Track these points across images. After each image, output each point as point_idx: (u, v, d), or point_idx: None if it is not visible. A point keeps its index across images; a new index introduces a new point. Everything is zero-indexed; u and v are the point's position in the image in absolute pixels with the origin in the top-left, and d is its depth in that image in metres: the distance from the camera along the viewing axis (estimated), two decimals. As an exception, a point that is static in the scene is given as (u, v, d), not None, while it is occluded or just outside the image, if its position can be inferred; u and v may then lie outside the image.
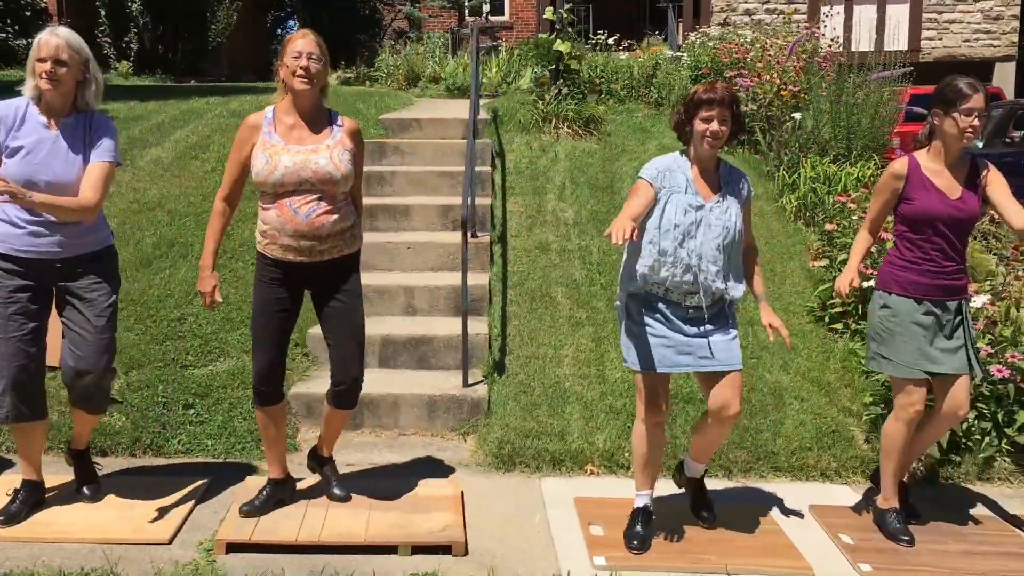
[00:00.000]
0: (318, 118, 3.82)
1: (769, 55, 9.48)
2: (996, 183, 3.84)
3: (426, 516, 3.88)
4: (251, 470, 4.44)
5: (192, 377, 5.02)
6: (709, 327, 3.71)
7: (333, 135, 3.80)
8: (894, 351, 3.87)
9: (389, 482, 4.27)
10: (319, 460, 4.22)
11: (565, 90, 9.03)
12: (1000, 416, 4.72)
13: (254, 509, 3.89)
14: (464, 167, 7.49)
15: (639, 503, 3.86)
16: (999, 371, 4.62)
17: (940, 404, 3.94)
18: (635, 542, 3.73)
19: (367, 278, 5.88)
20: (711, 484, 4.46)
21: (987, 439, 4.70)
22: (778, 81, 8.65)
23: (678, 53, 11.55)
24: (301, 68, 3.65)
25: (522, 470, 4.58)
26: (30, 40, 3.76)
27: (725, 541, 3.87)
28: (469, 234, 6.48)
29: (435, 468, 4.57)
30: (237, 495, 4.06)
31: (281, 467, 4.03)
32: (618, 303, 3.87)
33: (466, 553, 3.70)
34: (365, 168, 7.52)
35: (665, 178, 3.63)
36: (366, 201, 6.91)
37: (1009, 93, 18.85)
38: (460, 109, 9.34)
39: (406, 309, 5.86)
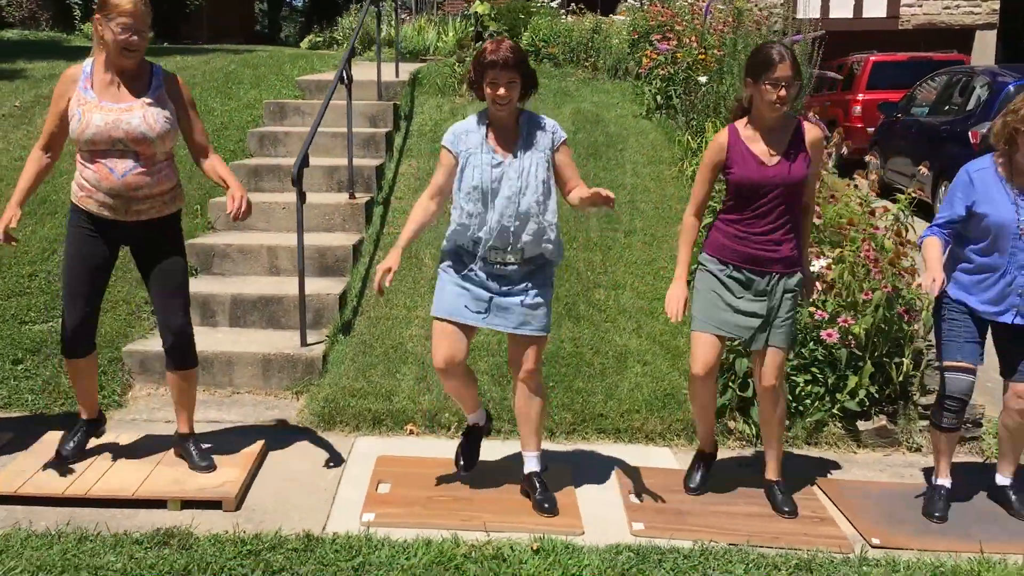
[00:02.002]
0: (139, 74, 3.72)
1: (697, 20, 9.35)
2: (817, 156, 3.73)
3: (207, 473, 3.88)
4: (67, 424, 4.45)
5: (28, 333, 5.03)
6: (519, 287, 3.67)
7: (152, 92, 3.72)
8: (695, 306, 3.83)
9: (205, 443, 4.27)
10: (179, 436, 4.11)
11: (484, 52, 8.94)
12: (831, 381, 4.68)
13: (63, 456, 3.92)
14: (367, 128, 7.48)
15: (468, 421, 4.06)
16: (828, 335, 4.57)
17: (756, 375, 3.89)
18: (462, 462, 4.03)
19: (239, 238, 5.90)
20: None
21: (817, 403, 4.66)
22: (695, 45, 8.53)
23: (621, 17, 11.43)
24: (129, 43, 3.57)
25: (341, 429, 4.58)
26: None
27: (508, 501, 3.86)
28: (347, 195, 6.47)
29: (255, 426, 4.57)
30: (35, 449, 4.07)
31: (91, 410, 4.04)
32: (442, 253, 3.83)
33: (237, 508, 3.70)
34: (262, 129, 7.53)
35: (462, 141, 3.60)
36: (255, 161, 6.92)
37: (990, 61, 18.58)
38: (390, 72, 9.26)
39: (270, 269, 5.85)
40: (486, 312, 3.65)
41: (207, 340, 5.10)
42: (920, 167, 8.05)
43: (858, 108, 14.23)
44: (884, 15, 19.52)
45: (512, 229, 3.56)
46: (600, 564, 3.32)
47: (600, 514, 3.81)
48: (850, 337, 4.68)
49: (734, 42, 8.54)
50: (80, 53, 10.86)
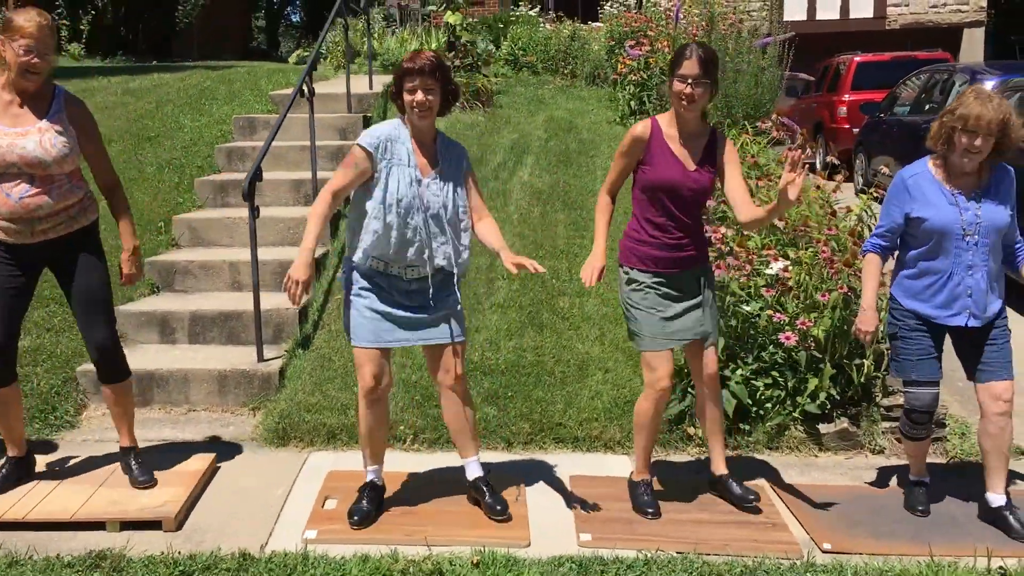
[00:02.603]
0: (41, 96, 3.69)
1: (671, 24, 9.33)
2: (732, 162, 3.69)
3: (153, 492, 3.84)
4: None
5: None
6: (432, 301, 3.65)
7: (51, 116, 3.67)
8: (639, 325, 3.74)
9: (148, 459, 4.22)
10: (121, 451, 4.07)
11: (457, 62, 8.93)
12: (791, 384, 4.62)
13: None
14: (336, 140, 7.45)
15: (368, 478, 3.79)
16: (787, 338, 4.51)
17: (695, 371, 3.86)
18: (355, 517, 3.66)
19: (201, 254, 5.86)
20: (489, 456, 4.42)
21: (776, 407, 4.61)
22: (667, 49, 8.50)
23: (599, 24, 11.42)
24: (30, 65, 3.54)
25: (296, 444, 4.53)
26: None
27: (456, 513, 3.81)
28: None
29: (208, 444, 4.53)
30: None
31: (17, 446, 3.98)
32: (340, 276, 3.78)
33: (178, 528, 3.65)
34: (230, 144, 7.51)
35: (387, 149, 3.52)
36: (222, 177, 6.89)
37: (979, 59, 18.53)
38: (364, 85, 9.25)
39: (232, 285, 5.81)
40: (406, 331, 3.62)
41: (164, 358, 5.07)
42: (882, 167, 8.00)
43: (843, 109, 14.17)
44: (871, 15, 19.48)
45: (431, 245, 3.54)
46: (541, 577, 3.26)
47: (550, 525, 3.76)
48: (810, 339, 4.62)
49: (722, 45, 8.53)
50: (64, 74, 10.83)
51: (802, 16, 19.44)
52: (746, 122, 7.42)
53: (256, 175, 4.95)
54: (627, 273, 3.79)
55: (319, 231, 3.48)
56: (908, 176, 3.74)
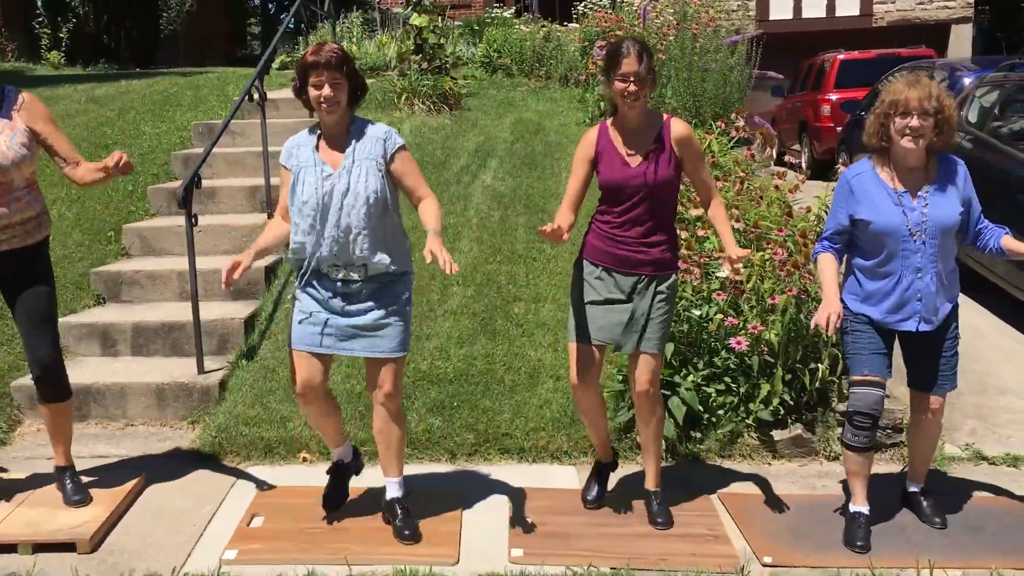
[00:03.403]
0: None
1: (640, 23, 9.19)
2: (690, 155, 3.55)
3: (70, 512, 3.70)
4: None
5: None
6: (365, 305, 3.50)
7: (2, 115, 3.57)
8: (570, 319, 3.69)
9: (77, 477, 4.08)
10: (57, 470, 3.95)
11: (425, 65, 8.80)
12: (744, 390, 4.49)
13: None
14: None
15: (335, 458, 3.86)
16: (738, 343, 4.38)
17: (631, 385, 3.74)
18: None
19: (151, 263, 5.74)
20: (432, 468, 4.30)
21: (729, 414, 4.47)
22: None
23: (572, 25, 11.31)
24: None
25: (232, 459, 4.39)
26: None
27: (388, 530, 3.66)
28: (266, 215, 6.30)
29: (140, 460, 4.39)
30: None
31: None
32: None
33: (94, 550, 3.51)
34: (188, 151, 7.39)
35: (294, 156, 3.46)
36: (177, 184, 6.74)
37: (967, 55, 18.40)
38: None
39: (180, 295, 5.67)
40: (334, 338, 3.49)
41: (103, 371, 4.94)
42: (839, 164, 7.78)
43: (827, 108, 14.02)
44: (857, 13, 19.36)
45: (346, 244, 3.38)
46: (461, 597, 3.13)
47: (482, 541, 3.62)
48: (763, 344, 4.49)
49: (680, 43, 8.39)
50: (43, 82, 10.72)
51: (787, 15, 19.33)
52: (712, 121, 7.27)
53: (192, 182, 4.83)
54: (578, 265, 3.73)
55: (267, 237, 3.56)
56: (851, 176, 3.56)
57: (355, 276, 3.47)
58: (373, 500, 3.89)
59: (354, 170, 3.40)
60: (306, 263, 3.46)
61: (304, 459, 4.39)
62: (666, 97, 7.65)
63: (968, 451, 4.52)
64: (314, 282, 3.50)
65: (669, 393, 4.44)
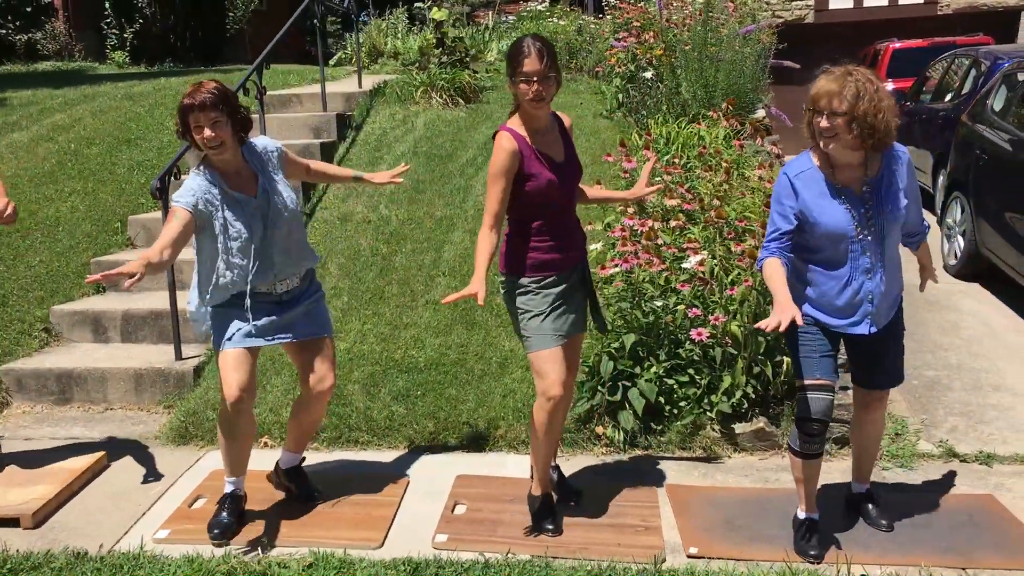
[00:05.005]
0: None
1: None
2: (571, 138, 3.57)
3: (23, 490, 3.85)
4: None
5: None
6: (299, 297, 3.66)
7: None
8: (535, 328, 3.44)
9: (49, 456, 4.26)
10: None
11: (445, 59, 8.86)
12: (705, 382, 4.43)
13: None
14: (310, 139, 7.45)
15: (227, 489, 3.68)
16: (698, 335, 4.32)
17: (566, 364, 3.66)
18: (215, 531, 3.54)
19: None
20: (386, 455, 4.36)
21: (691, 406, 4.41)
22: (652, 40, 8.28)
23: (600, 17, 11.24)
24: None
25: (196, 443, 4.51)
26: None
27: (322, 514, 3.73)
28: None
29: (108, 442, 4.54)
30: None
31: None
32: (195, 308, 3.63)
33: (37, 526, 3.66)
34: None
35: (205, 201, 3.39)
36: (184, 178, 6.92)
37: (1036, 44, 17.72)
38: (368, 83, 9.23)
39: (174, 283, 5.81)
40: (275, 332, 3.58)
41: (88, 357, 5.12)
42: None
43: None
44: (922, 1, 18.78)
45: (287, 257, 3.53)
46: (368, 579, 3.17)
47: (413, 526, 3.66)
48: (727, 336, 4.42)
49: (703, 34, 8.26)
50: (100, 79, 11.12)
51: (848, 3, 18.84)
52: (722, 114, 7.15)
53: (170, 172, 4.96)
54: (518, 283, 3.47)
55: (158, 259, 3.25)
56: (793, 175, 3.26)
57: (295, 282, 3.62)
58: (319, 484, 3.95)
59: (270, 191, 3.51)
60: (247, 291, 3.49)
61: (265, 444, 4.48)
62: (675, 89, 7.55)
63: (941, 448, 4.38)
64: (248, 302, 3.51)
65: (629, 384, 4.41)
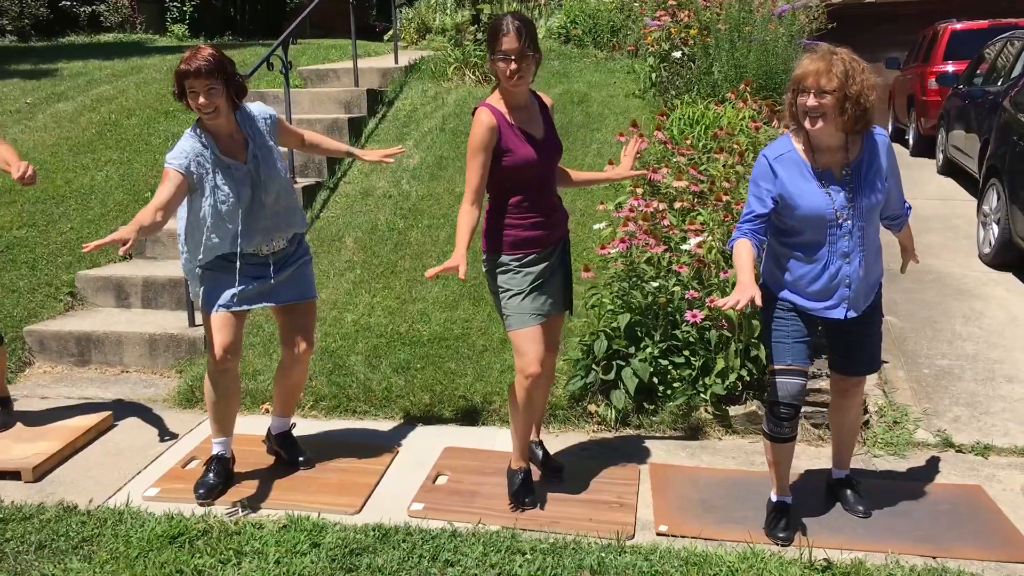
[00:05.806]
0: None
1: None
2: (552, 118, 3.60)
3: (28, 445, 4.03)
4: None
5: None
6: (284, 264, 3.77)
7: None
8: (515, 307, 3.48)
9: (59, 414, 4.44)
10: None
11: (480, 35, 8.90)
12: (699, 364, 4.44)
13: None
14: (341, 114, 7.57)
15: (214, 451, 3.80)
16: (693, 316, 4.33)
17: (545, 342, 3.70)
18: (201, 491, 3.67)
19: (173, 224, 6.05)
20: (381, 424, 4.46)
21: (685, 387, 4.43)
22: (687, 19, 8.20)
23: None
24: None
25: (202, 407, 4.65)
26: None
27: (309, 479, 3.85)
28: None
29: (117, 403, 4.71)
30: None
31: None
32: (187, 265, 3.73)
33: (37, 480, 3.83)
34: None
35: (196, 164, 3.47)
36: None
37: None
38: (405, 59, 9.32)
39: (197, 253, 5.99)
40: (260, 298, 3.71)
41: (108, 320, 5.31)
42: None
43: (933, 81, 13.28)
44: (992, -19, 18.18)
45: (277, 220, 3.64)
46: (336, 541, 3.27)
47: (393, 494, 3.75)
48: (722, 318, 4.42)
49: (737, 14, 8.16)
50: (151, 52, 11.41)
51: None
52: (747, 94, 7.07)
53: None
54: (499, 261, 3.51)
55: (149, 222, 3.31)
56: (773, 157, 3.24)
57: (283, 244, 3.74)
58: (313, 450, 4.06)
59: (259, 156, 3.60)
60: (238, 253, 3.60)
61: (266, 410, 4.61)
62: (707, 69, 7.49)
63: (938, 437, 4.33)
64: (239, 263, 3.62)
65: (623, 364, 4.43)
